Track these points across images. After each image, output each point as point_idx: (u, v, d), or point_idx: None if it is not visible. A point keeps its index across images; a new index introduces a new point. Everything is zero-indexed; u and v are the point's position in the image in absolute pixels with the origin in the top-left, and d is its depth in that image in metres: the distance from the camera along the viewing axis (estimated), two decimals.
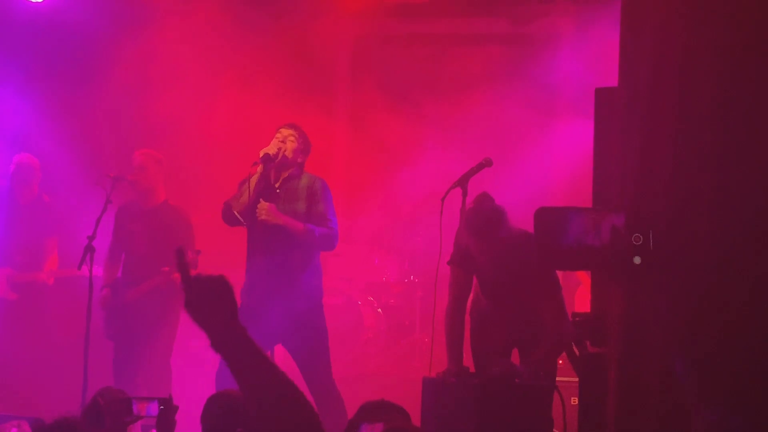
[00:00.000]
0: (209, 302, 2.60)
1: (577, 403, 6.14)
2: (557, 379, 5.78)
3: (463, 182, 5.98)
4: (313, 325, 6.43)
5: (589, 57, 8.54)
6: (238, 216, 6.33)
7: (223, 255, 8.57)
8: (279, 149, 6.38)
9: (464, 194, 5.94)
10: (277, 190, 6.44)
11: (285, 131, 6.48)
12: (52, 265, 7.83)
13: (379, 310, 9.53)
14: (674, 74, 3.78)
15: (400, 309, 9.73)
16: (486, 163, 6.07)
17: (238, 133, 8.91)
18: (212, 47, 8.91)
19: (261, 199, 6.30)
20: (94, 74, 8.89)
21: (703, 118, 3.70)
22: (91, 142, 8.86)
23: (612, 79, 4.27)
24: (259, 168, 6.33)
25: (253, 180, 6.31)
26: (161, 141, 8.29)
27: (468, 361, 5.87)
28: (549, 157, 9.47)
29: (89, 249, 6.68)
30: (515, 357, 5.91)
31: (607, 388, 3.92)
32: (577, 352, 5.40)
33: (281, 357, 6.85)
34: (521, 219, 5.77)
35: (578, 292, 8.34)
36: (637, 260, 3.52)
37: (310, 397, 6.20)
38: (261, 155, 6.31)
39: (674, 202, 3.69)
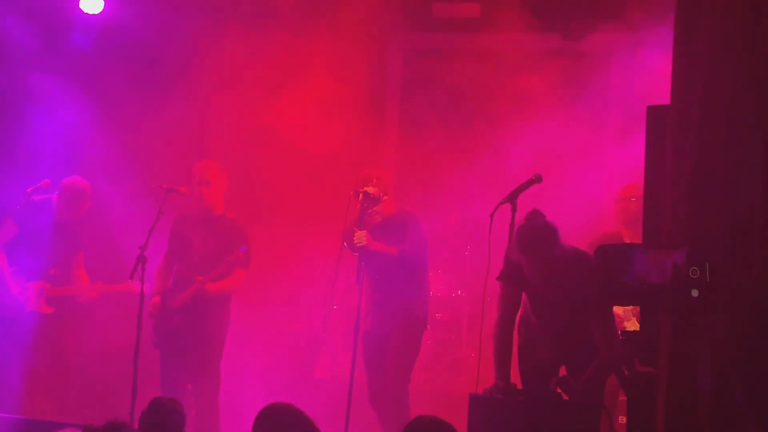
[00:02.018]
0: None
1: (625, 422, 6.11)
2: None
3: (512, 198, 5.96)
4: (407, 341, 6.92)
5: (642, 74, 8.49)
6: (345, 244, 6.89)
7: (280, 266, 8.69)
8: (381, 194, 6.91)
9: (513, 210, 5.92)
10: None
11: (379, 173, 7.14)
12: (83, 280, 7.93)
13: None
14: (727, 92, 3.76)
15: (447, 324, 9.70)
16: (536, 179, 6.05)
17: (291, 146, 8.97)
18: (266, 62, 8.97)
19: (356, 228, 6.81)
20: (150, 85, 8.99)
21: (756, 136, 3.68)
22: (148, 153, 8.95)
23: (664, 97, 4.25)
24: (360, 204, 6.84)
25: (358, 215, 6.84)
26: (218, 153, 8.36)
27: (515, 377, 5.84)
28: (600, 173, 9.40)
29: (141, 259, 6.75)
30: (563, 374, 5.87)
31: (656, 408, 3.90)
32: (625, 371, 5.38)
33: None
34: (571, 236, 5.76)
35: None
36: (694, 293, 3.53)
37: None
38: (362, 191, 6.85)
39: (727, 217, 3.67)
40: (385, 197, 6.96)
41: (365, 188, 6.87)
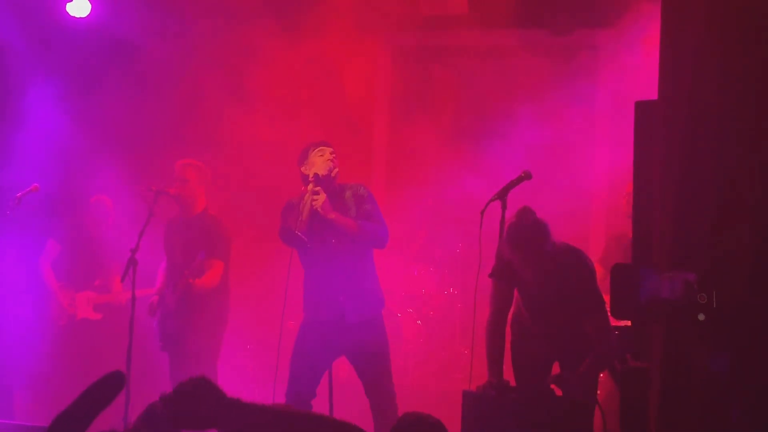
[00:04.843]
0: (188, 408, 2.62)
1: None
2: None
3: (502, 195, 5.96)
4: (375, 338, 6.38)
5: (631, 68, 8.50)
6: (301, 235, 6.20)
7: (263, 269, 8.66)
8: (330, 169, 6.32)
9: (504, 207, 5.92)
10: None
11: (326, 149, 6.38)
12: (117, 286, 8.41)
13: (419, 322, 9.52)
14: (714, 86, 3.76)
15: (439, 321, 9.71)
16: (525, 176, 6.05)
17: (278, 146, 8.96)
18: (256, 63, 8.96)
19: (319, 189, 6.22)
20: (140, 88, 8.99)
21: (744, 130, 3.68)
22: (136, 155, 8.95)
23: (652, 92, 4.25)
24: (310, 187, 6.23)
25: (307, 199, 6.22)
26: (204, 155, 8.35)
27: (508, 374, 5.85)
28: (590, 168, 9.42)
29: (132, 262, 6.74)
30: (556, 371, 5.88)
31: (648, 403, 3.90)
32: (618, 367, 5.38)
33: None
34: (562, 232, 5.76)
35: None
36: (701, 317, 3.59)
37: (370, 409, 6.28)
38: (311, 176, 6.24)
39: (715, 213, 3.67)
40: (337, 170, 6.35)
41: (314, 172, 6.24)
